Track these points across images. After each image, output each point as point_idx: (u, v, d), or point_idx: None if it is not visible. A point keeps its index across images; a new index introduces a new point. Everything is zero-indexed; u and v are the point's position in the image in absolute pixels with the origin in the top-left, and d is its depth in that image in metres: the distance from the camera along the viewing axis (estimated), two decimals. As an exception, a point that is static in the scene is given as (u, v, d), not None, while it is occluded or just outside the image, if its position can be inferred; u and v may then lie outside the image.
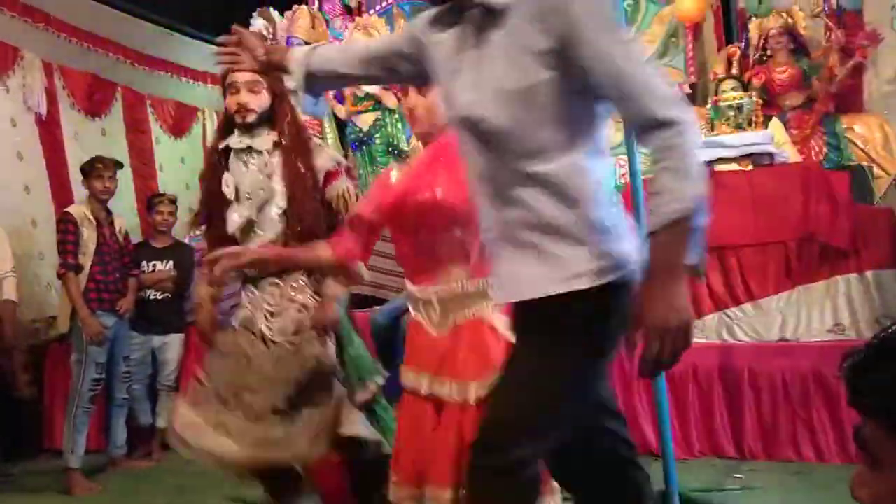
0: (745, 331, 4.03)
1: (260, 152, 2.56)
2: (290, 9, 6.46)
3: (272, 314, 2.53)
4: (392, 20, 6.45)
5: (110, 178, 4.43)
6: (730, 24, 6.18)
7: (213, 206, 2.65)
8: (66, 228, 4.31)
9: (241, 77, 2.50)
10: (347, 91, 5.98)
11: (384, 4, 6.61)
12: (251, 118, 2.54)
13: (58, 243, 4.35)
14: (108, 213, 4.51)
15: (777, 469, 3.57)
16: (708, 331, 4.07)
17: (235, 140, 2.57)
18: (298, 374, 2.44)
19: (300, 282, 2.56)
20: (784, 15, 5.23)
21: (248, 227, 2.58)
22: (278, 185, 2.54)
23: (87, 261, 4.29)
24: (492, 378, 1.81)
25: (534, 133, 1.47)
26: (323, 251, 2.12)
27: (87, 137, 6.34)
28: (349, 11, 7.03)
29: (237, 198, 2.56)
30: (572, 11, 1.39)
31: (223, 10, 6.80)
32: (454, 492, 1.89)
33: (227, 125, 2.62)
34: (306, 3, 6.71)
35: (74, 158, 6.17)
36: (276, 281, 2.54)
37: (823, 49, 5.12)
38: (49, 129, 5.97)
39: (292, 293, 2.54)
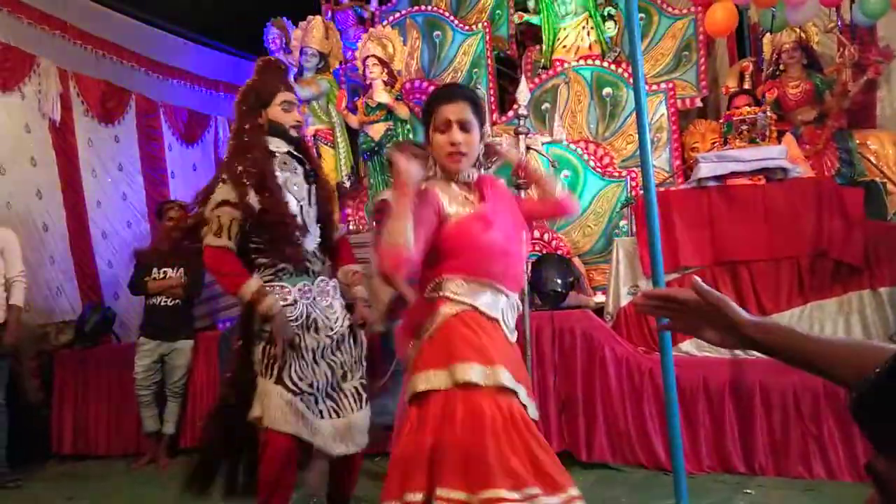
0: (757, 346, 3.99)
1: (303, 162, 2.91)
2: (304, 19, 6.50)
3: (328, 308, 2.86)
4: (405, 31, 6.48)
5: None
6: (742, 39, 6.19)
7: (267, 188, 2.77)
8: None
9: (292, 97, 2.89)
10: (359, 101, 6.00)
11: (397, 16, 6.65)
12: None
13: None
14: None
15: (787, 486, 3.53)
16: (719, 345, 4.03)
17: (286, 147, 2.87)
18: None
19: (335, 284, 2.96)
20: (797, 30, 5.21)
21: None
22: (313, 195, 2.93)
23: None
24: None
25: None
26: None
27: (100, 144, 6.39)
28: (362, 22, 7.08)
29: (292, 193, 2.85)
30: None
31: (237, 20, 6.87)
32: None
33: (271, 131, 2.85)
34: (320, 14, 6.75)
35: (86, 164, 6.23)
36: (326, 279, 2.91)
37: (836, 65, 5.09)
38: (63, 135, 6.02)
39: (335, 293, 2.92)
